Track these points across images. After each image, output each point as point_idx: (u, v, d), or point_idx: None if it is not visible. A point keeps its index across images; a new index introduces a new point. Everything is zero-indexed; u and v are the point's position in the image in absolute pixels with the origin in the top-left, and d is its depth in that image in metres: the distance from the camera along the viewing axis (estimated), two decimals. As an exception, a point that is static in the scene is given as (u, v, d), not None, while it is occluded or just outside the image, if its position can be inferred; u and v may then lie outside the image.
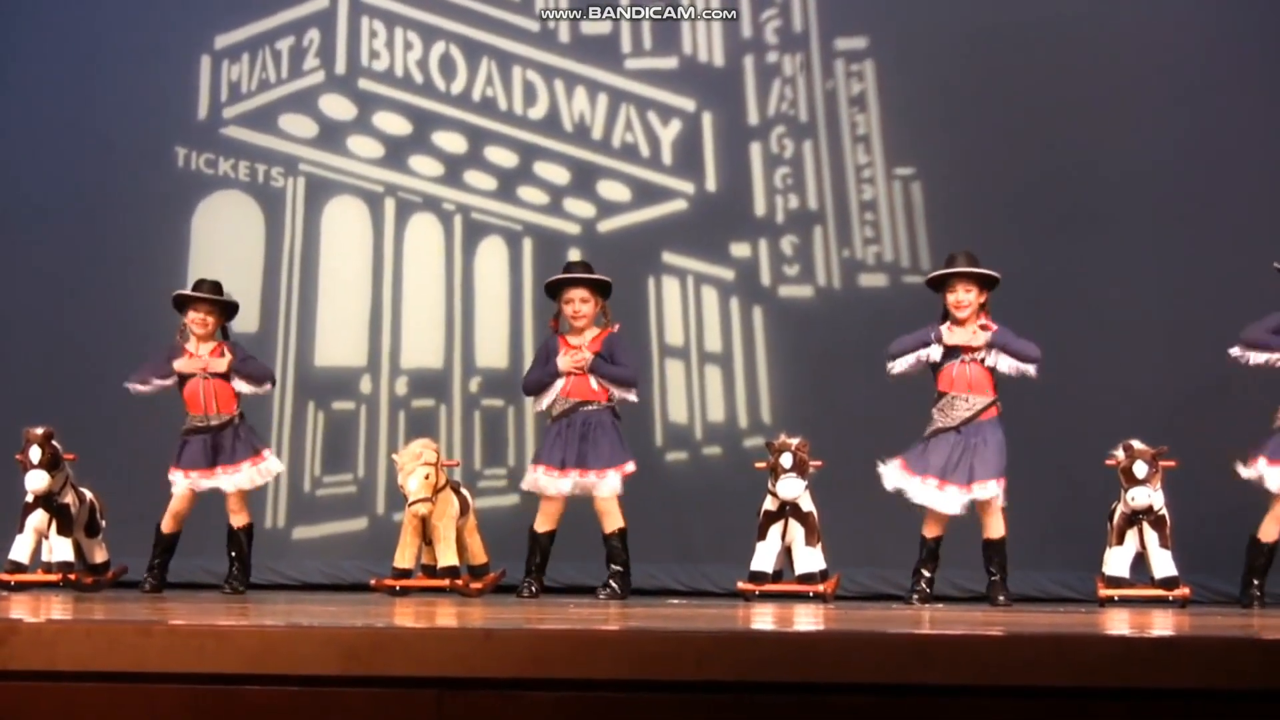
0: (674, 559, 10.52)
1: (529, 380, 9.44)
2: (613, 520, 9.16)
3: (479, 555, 9.41)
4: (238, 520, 9.46)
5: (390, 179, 11.42)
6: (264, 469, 9.50)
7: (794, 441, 8.91)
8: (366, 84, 11.50)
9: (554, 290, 9.38)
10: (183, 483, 9.33)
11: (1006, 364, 8.87)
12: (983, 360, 8.89)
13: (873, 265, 10.95)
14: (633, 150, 11.24)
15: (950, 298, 8.95)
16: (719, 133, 11.18)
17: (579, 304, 9.23)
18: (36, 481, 9.04)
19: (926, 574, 8.93)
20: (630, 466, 9.19)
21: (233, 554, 9.49)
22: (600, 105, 11.28)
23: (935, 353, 8.93)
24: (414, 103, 11.45)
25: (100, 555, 9.53)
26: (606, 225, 11.23)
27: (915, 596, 8.89)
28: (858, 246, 10.93)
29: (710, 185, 11.16)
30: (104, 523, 9.53)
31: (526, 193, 11.31)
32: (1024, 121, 10.76)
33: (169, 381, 9.43)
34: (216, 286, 9.56)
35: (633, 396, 9.36)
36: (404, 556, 9.07)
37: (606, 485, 9.12)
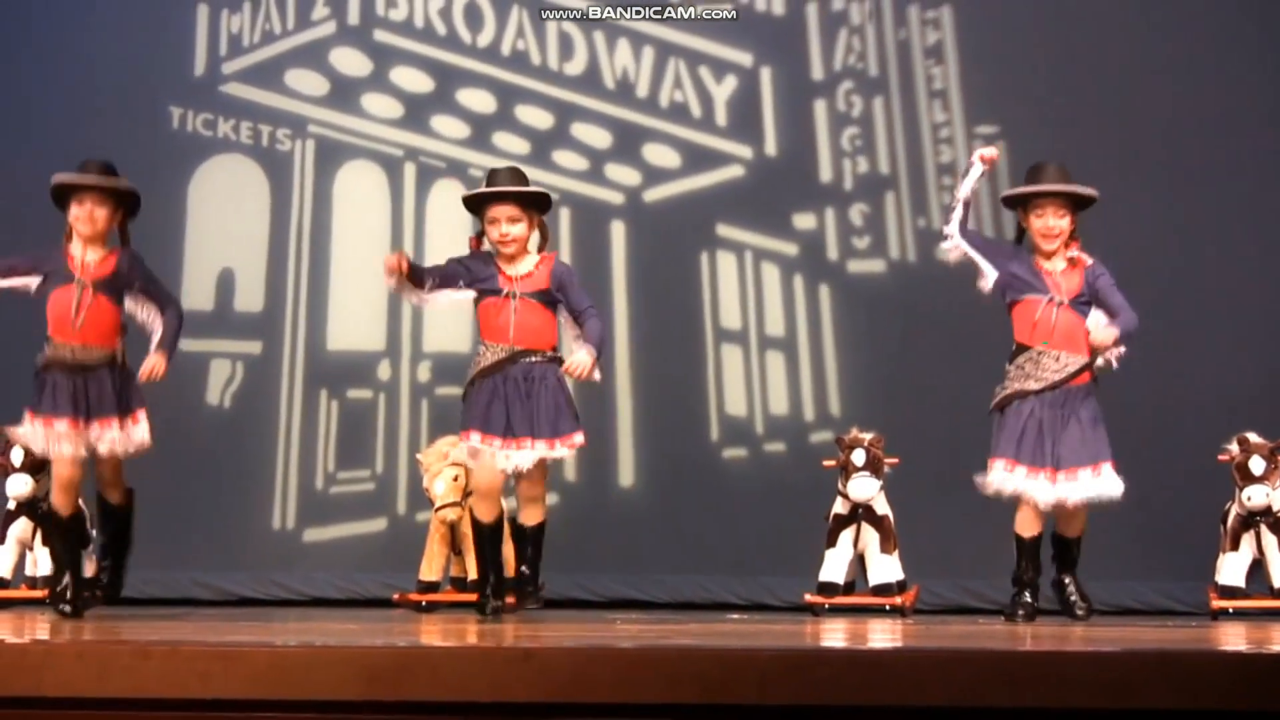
0: (732, 570, 10.54)
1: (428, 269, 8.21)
2: (538, 509, 8.18)
3: (514, 566, 9.39)
4: (113, 495, 8.49)
5: (410, 142, 11.45)
6: (132, 434, 8.19)
7: (867, 437, 8.91)
8: (383, 36, 11.53)
9: (475, 206, 8.23)
10: (49, 439, 8.04)
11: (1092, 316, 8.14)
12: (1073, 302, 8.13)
13: (952, 236, 10.91)
14: (683, 110, 11.25)
15: (1037, 223, 8.20)
16: (779, 90, 11.18)
17: (506, 224, 8.00)
18: (19, 487, 9.09)
19: (1028, 580, 8.18)
20: (579, 438, 8.05)
21: (104, 542, 8.62)
22: (646, 60, 11.28)
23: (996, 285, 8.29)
24: (436, 57, 11.48)
25: (91, 569, 9.49)
26: (653, 194, 11.24)
27: (1020, 614, 8.16)
28: (935, 215, 10.91)
29: (770, 149, 11.16)
30: (94, 533, 9.50)
31: (563, 158, 11.33)
32: (1118, 74, 10.75)
33: (17, 282, 8.25)
34: (108, 167, 8.36)
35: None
36: (430, 568, 9.11)
37: (553, 456, 8.02)
